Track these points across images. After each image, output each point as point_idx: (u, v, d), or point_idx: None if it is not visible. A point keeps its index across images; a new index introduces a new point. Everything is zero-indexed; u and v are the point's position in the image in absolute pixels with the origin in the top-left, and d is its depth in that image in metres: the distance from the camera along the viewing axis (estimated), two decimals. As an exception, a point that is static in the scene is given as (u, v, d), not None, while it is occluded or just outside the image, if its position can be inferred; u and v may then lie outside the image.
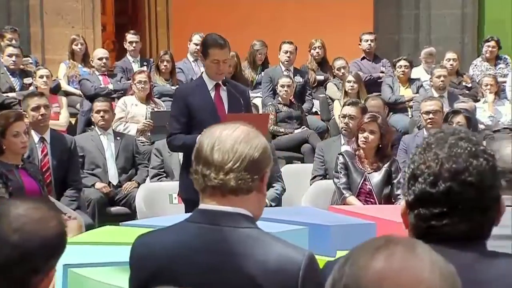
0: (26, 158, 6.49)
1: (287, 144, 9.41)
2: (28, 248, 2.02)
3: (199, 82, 5.88)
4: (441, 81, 9.88)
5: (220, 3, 13.24)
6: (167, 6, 14.35)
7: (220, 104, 5.70)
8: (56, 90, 10.08)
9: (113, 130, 8.33)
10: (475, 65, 11.65)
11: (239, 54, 10.48)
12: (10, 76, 9.88)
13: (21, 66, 10.10)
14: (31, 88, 9.60)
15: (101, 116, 8.13)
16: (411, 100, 10.20)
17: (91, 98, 9.41)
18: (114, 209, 7.84)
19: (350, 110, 7.48)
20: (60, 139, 7.27)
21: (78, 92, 10.40)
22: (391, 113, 10.18)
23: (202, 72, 5.94)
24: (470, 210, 1.94)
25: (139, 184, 7.77)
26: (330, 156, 7.19)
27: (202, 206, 2.48)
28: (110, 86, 10.22)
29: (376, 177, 6.42)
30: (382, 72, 11.34)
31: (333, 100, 10.32)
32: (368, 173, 6.44)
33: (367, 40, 11.44)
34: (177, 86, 9.22)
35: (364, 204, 6.35)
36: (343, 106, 7.91)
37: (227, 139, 2.42)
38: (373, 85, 10.83)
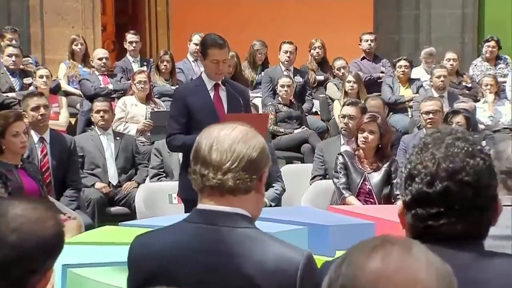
0: (25, 158, 6.49)
1: (287, 144, 9.42)
2: (26, 248, 2.01)
3: (198, 82, 5.88)
4: (441, 81, 9.89)
5: (220, 3, 13.24)
6: (167, 6, 14.34)
7: (219, 104, 5.70)
8: (56, 90, 10.08)
9: (112, 130, 8.33)
10: (475, 65, 11.65)
11: (239, 54, 10.48)
12: (10, 76, 9.89)
13: (21, 66, 10.11)
14: (31, 88, 9.60)
15: (101, 116, 8.14)
16: (411, 100, 10.20)
17: (91, 98, 9.42)
18: (114, 209, 7.84)
19: (349, 110, 7.48)
20: (60, 139, 7.27)
21: (78, 92, 10.40)
22: (391, 113, 10.19)
23: (201, 72, 5.94)
24: (467, 210, 1.94)
25: (138, 184, 7.76)
26: (330, 156, 7.19)
27: (200, 206, 2.48)
28: (110, 86, 10.22)
29: (376, 177, 6.42)
30: (382, 72, 11.35)
31: (333, 100, 10.33)
32: (368, 173, 6.44)
33: (367, 40, 11.44)
34: (177, 86, 9.22)
35: (363, 204, 6.34)
36: (342, 106, 7.91)
37: (225, 139, 2.42)
38: (373, 85, 10.83)
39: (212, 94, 5.73)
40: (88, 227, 6.41)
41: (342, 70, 10.78)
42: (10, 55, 9.89)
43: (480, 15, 13.01)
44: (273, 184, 7.15)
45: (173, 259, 2.44)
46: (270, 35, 11.30)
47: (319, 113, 10.67)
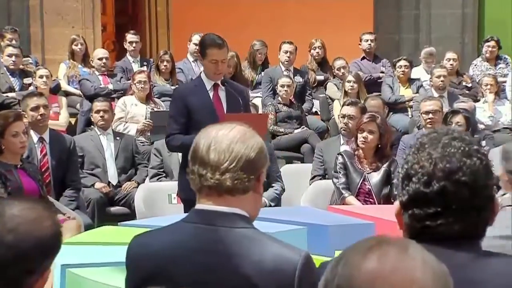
0: (25, 158, 6.49)
1: (287, 144, 9.42)
2: (23, 249, 2.01)
3: (197, 82, 5.88)
4: (441, 81, 9.89)
5: (220, 3, 13.24)
6: (167, 6, 14.34)
7: (219, 104, 5.70)
8: (56, 90, 10.08)
9: (112, 130, 8.33)
10: (475, 65, 11.65)
11: (239, 54, 10.48)
12: (10, 76, 9.89)
13: (21, 66, 10.11)
14: (31, 88, 9.60)
15: (101, 116, 8.14)
16: (411, 100, 10.20)
17: (91, 98, 9.41)
18: (113, 209, 7.84)
19: (349, 110, 7.48)
20: (59, 139, 7.27)
21: (78, 92, 10.41)
22: (391, 113, 10.19)
23: (201, 72, 5.95)
24: (464, 210, 1.94)
25: (138, 184, 7.76)
26: (330, 156, 7.19)
27: (198, 206, 2.48)
28: (110, 86, 10.22)
29: (375, 177, 6.42)
30: (382, 72, 11.35)
31: (333, 100, 10.33)
32: (367, 173, 6.44)
33: (367, 40, 11.45)
34: (176, 86, 9.22)
35: (363, 204, 6.35)
36: (342, 106, 7.91)
37: (223, 139, 2.42)
38: (373, 85, 10.83)
39: (211, 94, 5.73)
40: (88, 227, 6.41)
41: (342, 70, 10.78)
42: (10, 55, 9.89)
43: (480, 15, 13.01)
44: (273, 184, 7.15)
45: (171, 259, 2.43)
46: (270, 35, 11.29)
47: (319, 113, 10.67)
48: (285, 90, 9.64)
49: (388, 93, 10.46)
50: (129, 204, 7.67)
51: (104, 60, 10.39)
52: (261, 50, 10.90)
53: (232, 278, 2.36)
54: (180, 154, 6.75)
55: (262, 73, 10.75)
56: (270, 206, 6.96)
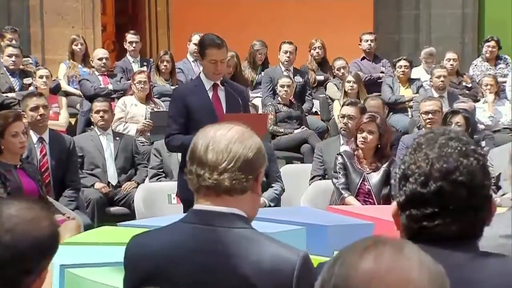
0: (24, 158, 6.49)
1: (287, 144, 9.42)
2: (20, 249, 2.01)
3: (197, 82, 5.88)
4: (441, 81, 9.90)
5: (220, 3, 13.24)
6: (168, 7, 14.34)
7: (218, 104, 5.70)
8: (56, 90, 10.08)
9: (112, 130, 8.33)
10: (475, 65, 11.65)
11: (239, 54, 10.47)
12: (10, 76, 9.89)
13: (21, 66, 10.11)
14: (31, 88, 9.61)
15: (101, 116, 8.14)
16: (411, 100, 10.20)
17: (91, 98, 9.41)
18: (113, 209, 7.84)
19: (349, 110, 7.47)
20: (59, 139, 7.27)
21: (78, 92, 10.41)
22: (391, 113, 10.19)
23: (200, 72, 5.95)
24: (462, 210, 1.94)
25: (138, 184, 7.76)
26: (329, 156, 7.18)
27: (196, 206, 2.48)
28: (110, 86, 10.22)
29: (375, 177, 6.41)
30: (382, 72, 11.35)
31: (333, 100, 10.33)
32: (367, 173, 6.44)
33: (367, 40, 11.45)
34: (176, 86, 9.23)
35: (363, 204, 6.34)
36: (342, 106, 7.90)
37: (221, 139, 2.42)
38: (373, 85, 10.84)
39: (210, 94, 5.73)
40: (87, 227, 6.41)
41: (342, 70, 10.78)
42: (10, 55, 9.90)
43: (480, 15, 13.01)
44: (273, 184, 7.15)
45: (169, 259, 2.43)
46: (270, 35, 11.29)
47: (319, 113, 10.67)
48: (285, 90, 9.64)
49: (388, 93, 10.46)
50: (128, 204, 7.66)
51: (104, 60, 10.39)
52: (261, 50, 10.90)
53: (231, 278, 2.37)
54: (179, 154, 6.74)
55: (262, 73, 10.75)
56: (270, 206, 6.96)
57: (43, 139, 7.18)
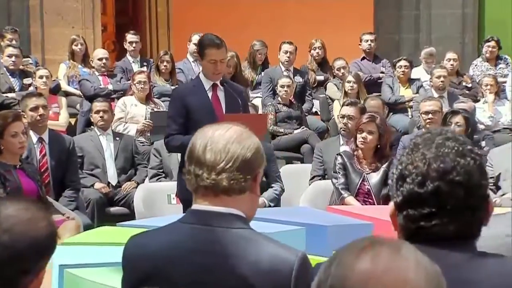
0: (24, 159, 6.49)
1: (287, 144, 9.42)
2: (18, 249, 2.02)
3: (196, 83, 5.88)
4: (441, 81, 9.90)
5: (220, 3, 13.24)
6: (168, 7, 14.35)
7: (218, 104, 5.70)
8: (56, 90, 10.08)
9: (112, 130, 8.33)
10: (475, 65, 11.65)
11: (239, 54, 10.47)
12: (10, 77, 9.89)
13: (21, 67, 10.11)
14: (31, 88, 9.61)
15: (100, 117, 8.14)
16: (411, 100, 10.20)
17: (91, 98, 9.41)
18: (113, 209, 7.84)
19: (348, 110, 7.47)
20: (59, 140, 7.27)
21: (78, 92, 10.41)
22: (391, 113, 10.19)
23: (199, 73, 5.95)
24: (459, 210, 1.93)
25: (138, 184, 7.76)
26: (329, 156, 7.18)
27: (194, 206, 2.48)
28: (110, 87, 10.23)
29: (375, 178, 6.41)
30: (382, 72, 11.35)
31: (333, 100, 10.33)
32: (367, 174, 6.44)
33: (367, 40, 11.45)
34: (176, 86, 9.22)
35: (362, 204, 6.34)
36: (342, 106, 7.90)
37: (219, 140, 2.42)
38: (373, 85, 10.84)
39: (210, 94, 5.73)
40: (87, 227, 6.40)
41: (342, 70, 10.78)
42: (10, 56, 9.90)
43: (480, 15, 13.01)
44: (272, 184, 7.15)
45: (168, 259, 2.43)
46: (270, 35, 11.30)
47: (319, 113, 10.67)
48: (285, 90, 9.64)
49: (388, 94, 10.46)
50: (128, 205, 7.66)
51: (104, 61, 10.39)
52: (261, 50, 10.90)
53: (229, 279, 2.37)
54: (179, 155, 6.74)
55: (262, 73, 10.74)
56: (270, 206, 6.96)
57: (43, 139, 7.18)
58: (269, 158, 7.02)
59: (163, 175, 7.76)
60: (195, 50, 10.30)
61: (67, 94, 10.39)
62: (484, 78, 10.46)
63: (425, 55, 11.33)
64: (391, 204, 2.00)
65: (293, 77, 10.23)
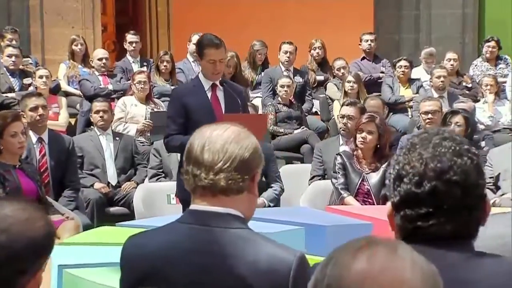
0: (24, 159, 6.49)
1: (287, 144, 9.42)
2: (15, 249, 2.01)
3: (195, 83, 5.87)
4: (441, 81, 9.90)
5: (220, 4, 13.24)
6: (168, 7, 14.35)
7: (217, 105, 5.69)
8: (56, 90, 10.09)
9: (112, 130, 8.33)
10: (475, 65, 11.65)
11: (239, 54, 10.47)
12: (10, 77, 9.90)
13: (21, 67, 10.11)
14: (31, 88, 9.61)
15: (100, 117, 8.14)
16: (411, 100, 10.20)
17: (91, 98, 9.42)
18: (113, 209, 7.84)
19: (348, 110, 7.46)
20: (58, 140, 7.27)
21: (78, 92, 10.41)
22: (391, 113, 10.19)
23: (199, 73, 5.94)
24: (456, 210, 1.93)
25: (138, 184, 7.76)
26: (329, 156, 7.18)
27: (192, 206, 2.48)
28: (110, 87, 10.23)
29: (374, 178, 6.41)
30: (382, 72, 11.35)
31: (333, 100, 10.33)
32: (366, 174, 6.44)
33: (367, 40, 11.45)
34: (175, 87, 9.22)
35: (362, 204, 6.34)
36: (341, 106, 7.90)
37: (217, 140, 2.42)
38: (373, 85, 10.84)
39: (209, 94, 5.72)
40: (87, 227, 6.40)
41: (342, 70, 10.78)
42: (10, 56, 9.90)
43: (480, 15, 13.01)
44: (272, 185, 7.15)
45: (166, 259, 2.43)
46: (270, 35, 11.29)
47: (319, 113, 10.67)
48: (285, 91, 9.64)
49: (388, 94, 10.46)
50: (128, 205, 7.66)
51: (104, 61, 10.39)
52: (261, 51, 10.90)
53: (227, 279, 2.36)
54: (179, 155, 6.73)
55: (262, 73, 10.74)
56: (269, 206, 6.95)
57: (42, 139, 7.18)
58: (269, 158, 7.02)
59: (163, 175, 7.75)
60: (195, 50, 10.34)
61: (67, 94, 10.39)
62: (484, 78, 10.46)
63: (425, 55, 11.33)
64: (389, 204, 2.00)
65: (293, 77, 10.23)
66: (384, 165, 6.40)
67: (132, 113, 9.14)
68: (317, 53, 11.26)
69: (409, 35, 12.97)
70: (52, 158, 7.09)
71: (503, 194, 6.86)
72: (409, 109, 10.31)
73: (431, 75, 10.15)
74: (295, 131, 9.51)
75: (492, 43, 11.49)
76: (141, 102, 9.21)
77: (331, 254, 1.46)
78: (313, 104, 10.68)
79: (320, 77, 11.16)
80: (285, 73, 10.38)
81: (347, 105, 7.59)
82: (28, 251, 2.03)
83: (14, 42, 10.53)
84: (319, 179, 7.30)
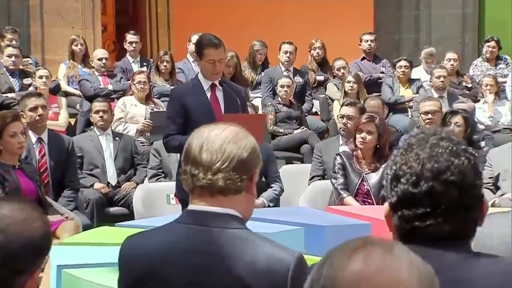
0: (23, 159, 6.49)
1: (287, 144, 9.42)
2: (12, 249, 2.02)
3: (195, 83, 5.87)
4: (441, 81, 9.90)
5: (220, 4, 13.24)
6: (168, 7, 14.35)
7: (216, 105, 5.69)
8: (56, 90, 10.09)
9: (112, 130, 8.33)
10: (475, 65, 11.65)
11: (239, 54, 10.47)
12: (10, 77, 9.90)
13: (21, 67, 10.11)
14: (31, 88, 9.61)
15: (100, 117, 8.14)
16: (411, 101, 10.20)
17: (91, 98, 9.42)
18: (112, 209, 7.84)
19: (348, 110, 7.46)
20: (58, 140, 7.27)
21: (78, 92, 10.41)
22: (391, 113, 10.19)
23: (198, 73, 5.94)
24: (453, 210, 1.93)
25: (137, 185, 7.76)
26: (329, 156, 7.17)
27: (191, 206, 2.47)
28: (110, 87, 10.23)
29: (374, 178, 6.40)
30: (382, 72, 11.35)
31: (333, 101, 10.33)
32: (366, 174, 6.43)
33: (367, 40, 11.44)
34: (174, 87, 9.22)
35: (362, 204, 6.33)
36: (341, 106, 7.90)
37: (215, 140, 2.42)
38: (373, 86, 10.84)
39: (209, 94, 5.72)
40: (86, 228, 6.40)
41: (342, 70, 10.78)
42: (10, 56, 9.90)
43: (480, 15, 13.01)
44: (272, 185, 7.15)
45: (164, 259, 2.43)
46: (270, 35, 11.29)
47: (319, 113, 10.67)
48: (285, 91, 9.64)
49: (388, 94, 10.46)
50: (128, 205, 7.66)
51: (104, 61, 10.39)
52: (261, 51, 10.90)
53: (225, 279, 2.36)
54: (179, 155, 6.73)
55: (262, 73, 10.74)
56: (269, 206, 6.95)
57: (42, 140, 7.18)
58: (269, 158, 7.02)
59: (163, 175, 7.75)
60: (194, 50, 10.34)
61: (67, 94, 10.39)
62: (484, 78, 10.46)
63: (425, 55, 11.33)
64: (386, 204, 2.00)
65: (293, 77, 10.23)
66: (383, 165, 6.39)
67: (132, 113, 9.14)
68: (317, 53, 11.26)
69: (409, 35, 12.97)
70: (51, 158, 7.09)
71: (503, 194, 6.85)
72: (409, 109, 10.31)
73: (431, 75, 10.15)
74: (295, 131, 9.51)
75: (492, 43, 11.49)
76: (141, 102, 9.21)
77: (327, 254, 1.45)
78: (313, 104, 10.68)
79: (320, 77, 11.16)
80: (285, 73, 10.38)
81: (347, 105, 7.59)
82: (26, 251, 2.03)
83: (14, 42, 10.53)
84: (319, 179, 7.30)
